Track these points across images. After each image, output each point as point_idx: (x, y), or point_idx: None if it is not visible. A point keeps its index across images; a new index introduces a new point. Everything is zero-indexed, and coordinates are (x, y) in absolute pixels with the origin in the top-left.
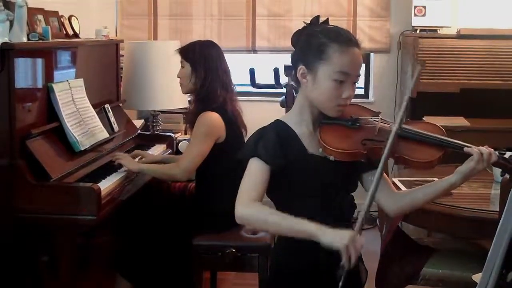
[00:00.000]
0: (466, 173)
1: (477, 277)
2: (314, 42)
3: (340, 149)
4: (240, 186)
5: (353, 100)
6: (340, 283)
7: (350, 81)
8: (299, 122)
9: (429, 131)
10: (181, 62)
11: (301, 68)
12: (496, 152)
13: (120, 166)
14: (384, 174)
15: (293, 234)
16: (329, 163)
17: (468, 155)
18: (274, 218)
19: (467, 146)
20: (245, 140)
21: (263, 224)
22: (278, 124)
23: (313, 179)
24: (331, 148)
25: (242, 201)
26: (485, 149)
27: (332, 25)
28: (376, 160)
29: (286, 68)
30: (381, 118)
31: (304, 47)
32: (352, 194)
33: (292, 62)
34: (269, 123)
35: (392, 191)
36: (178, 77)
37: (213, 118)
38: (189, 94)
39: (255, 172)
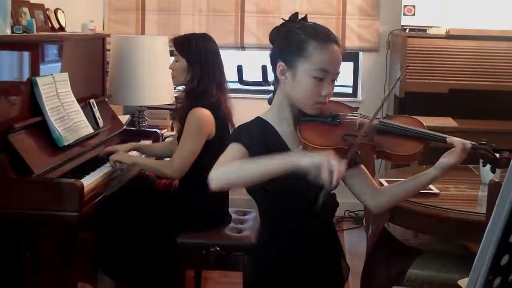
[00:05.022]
0: (447, 166)
1: (463, 282)
2: (294, 38)
3: (322, 145)
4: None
5: (341, 99)
6: (319, 202)
7: (329, 78)
8: (279, 120)
9: (409, 125)
10: (175, 55)
11: (281, 65)
12: (474, 142)
13: (105, 161)
14: (367, 171)
15: (273, 172)
16: None
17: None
18: (247, 165)
19: (449, 137)
20: None
21: (238, 174)
22: (259, 121)
23: (295, 177)
24: (312, 145)
25: (215, 167)
26: (462, 140)
27: (311, 22)
28: (357, 155)
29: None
30: (360, 114)
31: (284, 43)
32: (334, 192)
33: (271, 59)
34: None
35: (373, 187)
36: (170, 68)
37: (204, 115)
38: (176, 90)
39: (232, 151)
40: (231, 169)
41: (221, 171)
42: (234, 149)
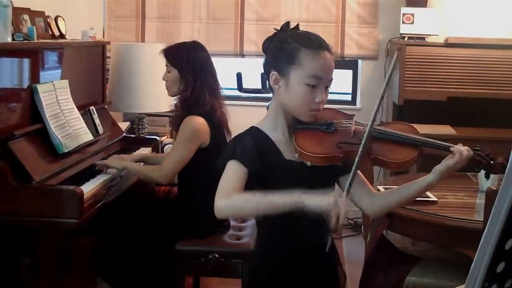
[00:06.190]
0: (444, 172)
1: None
2: (286, 47)
3: (316, 154)
4: (218, 185)
5: (340, 106)
6: (327, 247)
7: (323, 85)
8: (274, 129)
9: (404, 131)
10: (166, 66)
11: (274, 74)
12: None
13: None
14: (363, 176)
15: (278, 209)
16: (307, 169)
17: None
18: (254, 199)
19: (450, 146)
20: None
21: (245, 208)
22: (254, 131)
23: (291, 185)
24: (307, 153)
25: (221, 196)
26: (462, 147)
27: (303, 31)
28: (352, 162)
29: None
30: (355, 121)
31: (276, 53)
32: None
33: (264, 68)
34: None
35: (370, 192)
36: (164, 80)
37: (198, 123)
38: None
39: (233, 172)
40: (237, 204)
41: (229, 205)
42: (234, 170)
